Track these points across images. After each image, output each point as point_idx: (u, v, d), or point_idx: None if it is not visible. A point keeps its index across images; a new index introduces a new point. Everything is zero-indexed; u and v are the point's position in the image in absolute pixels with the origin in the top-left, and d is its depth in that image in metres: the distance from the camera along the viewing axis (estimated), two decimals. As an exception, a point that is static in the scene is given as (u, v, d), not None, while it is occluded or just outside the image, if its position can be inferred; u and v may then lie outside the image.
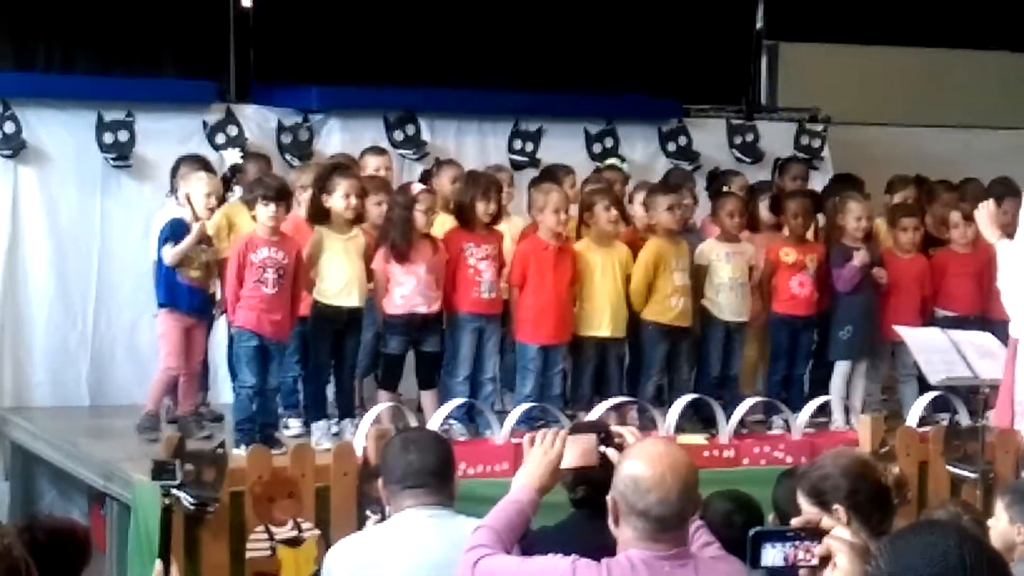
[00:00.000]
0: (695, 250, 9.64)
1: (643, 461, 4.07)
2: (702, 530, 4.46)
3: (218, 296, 9.13)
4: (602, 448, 4.55)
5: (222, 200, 9.25)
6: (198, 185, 8.98)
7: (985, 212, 7.43)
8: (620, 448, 4.49)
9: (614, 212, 9.43)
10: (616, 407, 8.80)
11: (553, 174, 10.27)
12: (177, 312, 8.94)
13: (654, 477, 4.03)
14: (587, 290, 9.33)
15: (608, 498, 4.13)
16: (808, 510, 4.45)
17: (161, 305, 9.03)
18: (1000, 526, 5.61)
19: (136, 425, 8.93)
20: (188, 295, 8.94)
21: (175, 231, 8.92)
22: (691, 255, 9.57)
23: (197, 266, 8.91)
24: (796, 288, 9.79)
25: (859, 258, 9.70)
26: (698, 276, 9.59)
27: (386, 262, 8.96)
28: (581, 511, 4.98)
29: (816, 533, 3.05)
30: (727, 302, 9.63)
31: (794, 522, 3.09)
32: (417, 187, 9.26)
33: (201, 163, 9.69)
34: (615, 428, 4.73)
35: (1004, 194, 9.71)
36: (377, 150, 10.38)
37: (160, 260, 8.98)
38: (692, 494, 4.11)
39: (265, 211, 8.55)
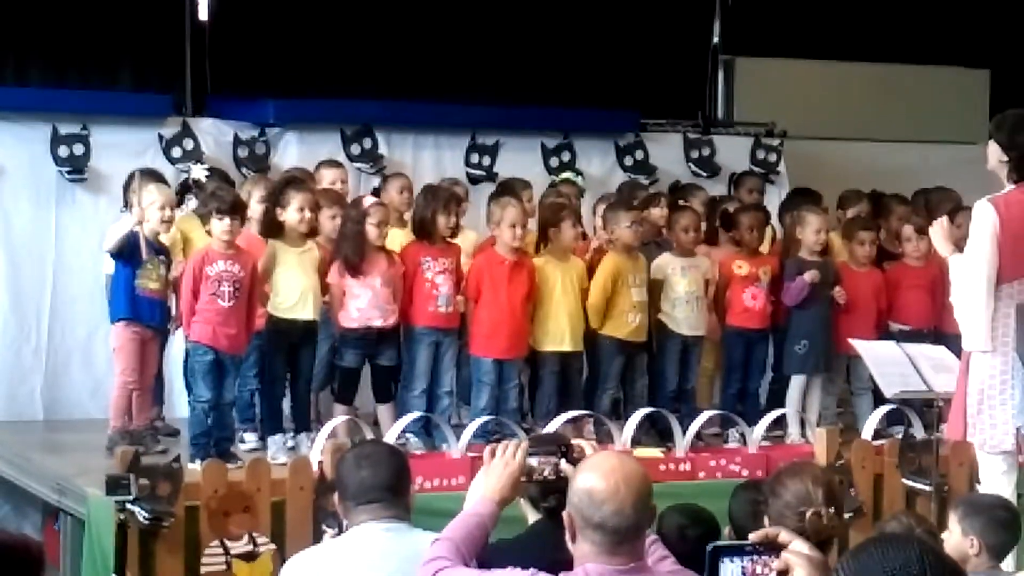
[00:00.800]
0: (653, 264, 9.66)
1: (597, 473, 4.07)
2: (656, 544, 4.46)
3: (173, 310, 9.08)
4: (562, 464, 4.55)
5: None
6: (150, 197, 8.94)
7: (939, 228, 7.48)
8: (578, 460, 4.49)
9: (578, 228, 9.46)
10: (573, 420, 8.80)
11: (511, 188, 10.27)
12: (135, 324, 8.87)
13: (608, 489, 4.03)
14: (547, 305, 9.33)
15: (564, 513, 4.12)
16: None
17: (117, 319, 8.98)
18: (953, 539, 5.63)
19: (105, 446, 8.82)
20: (148, 307, 8.88)
21: (129, 246, 8.85)
22: (649, 269, 9.59)
23: (155, 278, 8.87)
24: (749, 301, 9.82)
25: (810, 275, 9.73)
26: (654, 290, 9.61)
27: (340, 276, 8.94)
28: (542, 522, 4.97)
29: (774, 547, 3.05)
30: (683, 316, 9.66)
31: (752, 536, 3.09)
32: (368, 200, 9.27)
33: (154, 176, 9.64)
34: (575, 442, 4.71)
35: (957, 208, 9.78)
36: (333, 163, 10.38)
37: (116, 274, 8.92)
38: (647, 505, 4.10)
39: (220, 225, 8.53)
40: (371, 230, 8.93)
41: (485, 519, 4.46)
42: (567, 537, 4.12)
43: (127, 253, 8.80)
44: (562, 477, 4.49)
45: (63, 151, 10.30)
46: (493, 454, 4.56)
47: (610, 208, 9.78)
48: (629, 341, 9.49)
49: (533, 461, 4.55)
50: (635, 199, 10.39)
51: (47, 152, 10.29)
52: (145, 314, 8.88)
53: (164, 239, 9.02)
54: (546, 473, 4.56)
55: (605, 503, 4.02)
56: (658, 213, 10.18)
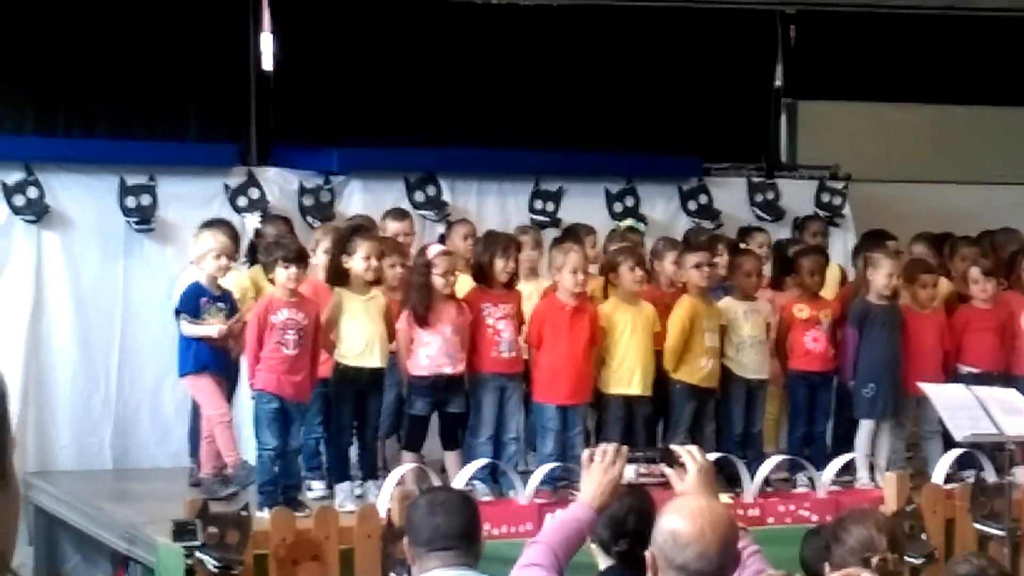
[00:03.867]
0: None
1: (682, 516, 4.05)
2: (755, 556, 4.42)
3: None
4: (663, 467, 4.50)
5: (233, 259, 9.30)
6: (205, 245, 9.04)
7: None
8: (682, 467, 4.45)
9: (639, 272, 9.44)
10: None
11: (575, 233, 10.28)
12: (206, 372, 8.95)
13: (693, 532, 4.00)
14: (615, 349, 9.31)
15: (647, 553, 4.10)
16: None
17: (183, 373, 9.04)
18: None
19: (202, 488, 8.85)
20: (210, 355, 8.93)
21: (188, 298, 8.95)
22: (719, 316, 9.56)
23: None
24: (810, 344, 9.78)
25: None
26: (719, 335, 9.58)
27: (409, 325, 8.96)
28: (615, 569, 4.95)
29: None
30: (748, 360, 9.62)
31: None
32: (434, 249, 9.27)
33: (215, 225, 9.73)
34: (675, 447, 4.62)
35: (1022, 249, 9.73)
36: (398, 213, 10.36)
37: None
38: (731, 550, 4.07)
39: (284, 273, 8.58)
40: (437, 280, 8.95)
41: (583, 524, 4.43)
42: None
43: (188, 305, 8.89)
44: (664, 483, 4.44)
45: (131, 202, 10.40)
46: (592, 458, 4.52)
47: (680, 252, 9.78)
48: (701, 387, 9.46)
49: (632, 468, 4.50)
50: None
51: (115, 203, 10.39)
52: (211, 362, 8.93)
53: (233, 289, 9.09)
54: (646, 479, 4.51)
55: (690, 545, 4.00)
56: (720, 261, 10.16)
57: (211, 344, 8.93)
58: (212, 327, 8.84)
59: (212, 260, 8.99)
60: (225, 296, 9.06)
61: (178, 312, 9.00)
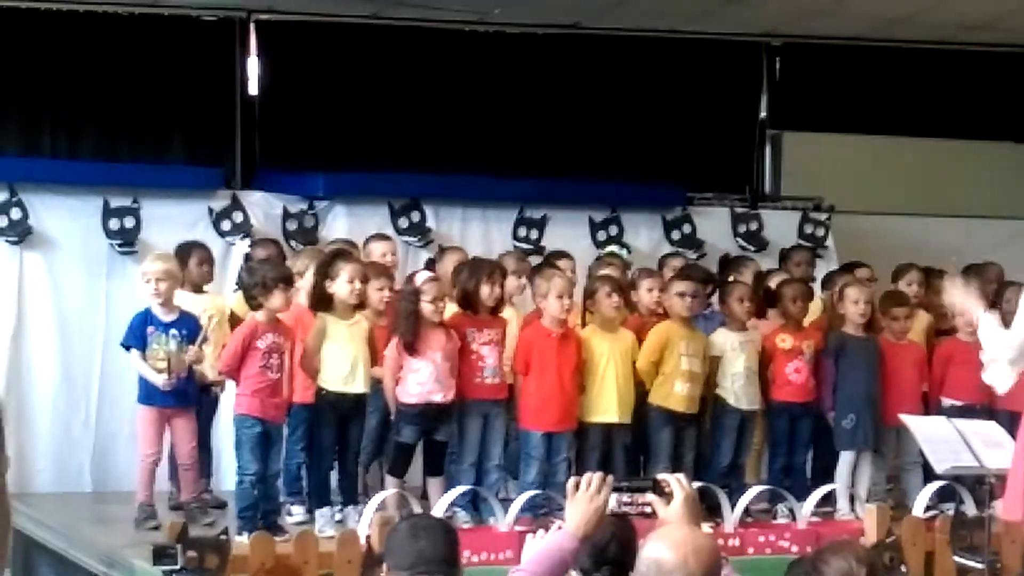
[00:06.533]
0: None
1: (666, 544, 4.05)
2: None
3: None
4: (650, 496, 4.49)
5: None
6: (144, 268, 9.06)
7: (958, 286, 7.48)
8: (669, 495, 4.46)
9: (616, 298, 9.43)
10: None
11: (552, 261, 10.28)
12: (152, 406, 8.93)
13: (677, 560, 4.00)
14: (593, 376, 9.32)
15: (629, 580, 4.09)
16: None
17: (139, 400, 9.04)
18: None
19: (134, 519, 8.87)
20: (157, 390, 8.91)
21: (132, 329, 8.98)
22: (705, 343, 9.55)
23: (163, 356, 8.89)
24: (792, 375, 9.78)
25: None
26: (711, 366, 9.57)
27: (398, 352, 8.94)
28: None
29: None
30: (743, 391, 9.61)
31: None
32: (422, 277, 9.26)
33: (197, 250, 9.75)
34: (662, 476, 4.60)
35: (1004, 284, 9.77)
36: (382, 236, 10.40)
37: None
38: (715, 578, 4.07)
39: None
40: (426, 307, 8.93)
41: (566, 553, 4.42)
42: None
43: (131, 337, 8.92)
44: (650, 513, 4.44)
45: (114, 224, 10.39)
46: (577, 487, 4.52)
47: (652, 279, 9.82)
48: (678, 412, 9.44)
49: (615, 497, 4.49)
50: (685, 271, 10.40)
51: (99, 225, 10.38)
52: (157, 395, 8.90)
53: (210, 311, 9.12)
54: (631, 508, 4.50)
55: (673, 573, 3.99)
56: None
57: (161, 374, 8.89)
58: (158, 376, 8.81)
59: (145, 285, 8.98)
60: (183, 321, 8.99)
61: (124, 344, 8.99)
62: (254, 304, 8.65)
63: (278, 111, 11.68)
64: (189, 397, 9.06)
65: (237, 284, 9.95)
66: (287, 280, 8.69)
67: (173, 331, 8.92)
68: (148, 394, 8.94)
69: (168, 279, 9.01)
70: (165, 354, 8.87)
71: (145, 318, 8.95)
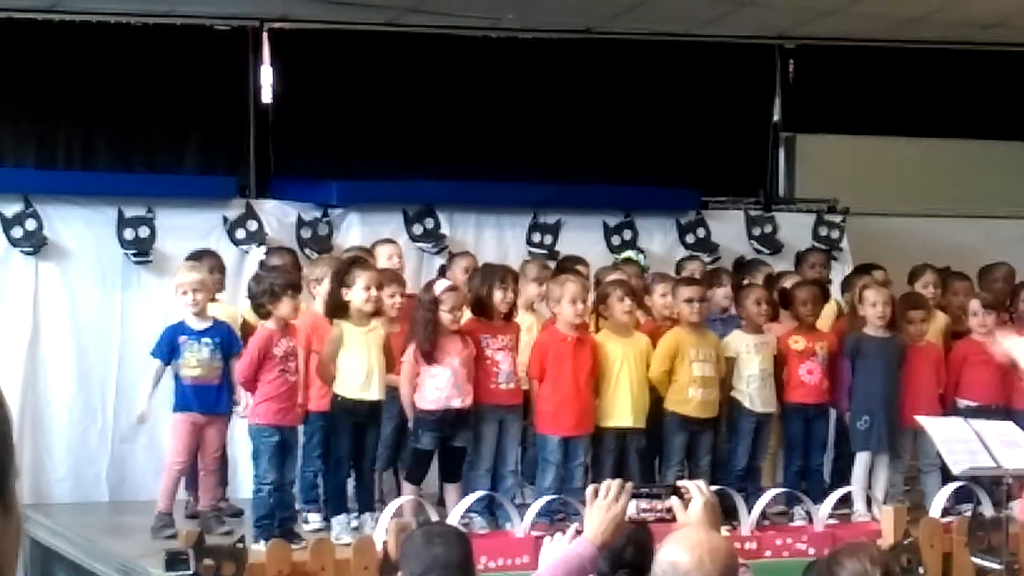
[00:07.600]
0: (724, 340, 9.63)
1: (682, 547, 4.04)
2: None
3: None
4: (672, 499, 4.49)
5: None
6: (177, 280, 9.08)
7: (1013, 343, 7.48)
8: (688, 502, 4.45)
9: (628, 302, 9.42)
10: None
11: (567, 266, 10.27)
12: (186, 412, 8.96)
13: (692, 562, 3.99)
14: (608, 381, 9.31)
15: (646, 583, 4.08)
16: None
17: (174, 408, 9.06)
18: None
19: (151, 528, 8.88)
20: (194, 394, 8.94)
21: (162, 340, 9.03)
22: (718, 346, 9.54)
23: (195, 364, 8.92)
24: (805, 376, 9.77)
25: None
26: (726, 368, 9.56)
27: (416, 360, 8.94)
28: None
29: None
30: (758, 393, 9.60)
31: None
32: (440, 286, 9.24)
33: (208, 258, 9.76)
34: (682, 483, 4.61)
35: (1021, 284, 9.72)
36: (387, 240, 10.42)
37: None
38: (731, 580, 4.06)
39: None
40: (444, 316, 8.93)
41: (585, 561, 4.41)
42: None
43: (160, 349, 8.96)
44: (670, 519, 4.43)
45: (129, 234, 10.40)
46: (596, 494, 4.52)
47: (673, 284, 9.79)
48: (693, 417, 9.43)
49: (635, 503, 4.49)
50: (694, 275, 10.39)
51: (113, 235, 10.39)
52: (193, 402, 8.93)
53: (223, 317, 9.14)
54: (650, 515, 4.50)
55: (689, 575, 3.99)
56: (722, 292, 10.18)
57: (194, 382, 8.91)
58: (142, 404, 8.97)
59: (180, 297, 9.02)
60: (216, 329, 9.03)
61: (152, 355, 9.05)
62: (263, 312, 8.67)
63: (292, 119, 11.69)
64: (223, 405, 9.09)
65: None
66: (294, 287, 8.71)
67: (206, 339, 8.96)
68: (184, 402, 8.96)
69: (203, 289, 9.09)
70: (197, 362, 8.92)
71: (175, 330, 9.00)
